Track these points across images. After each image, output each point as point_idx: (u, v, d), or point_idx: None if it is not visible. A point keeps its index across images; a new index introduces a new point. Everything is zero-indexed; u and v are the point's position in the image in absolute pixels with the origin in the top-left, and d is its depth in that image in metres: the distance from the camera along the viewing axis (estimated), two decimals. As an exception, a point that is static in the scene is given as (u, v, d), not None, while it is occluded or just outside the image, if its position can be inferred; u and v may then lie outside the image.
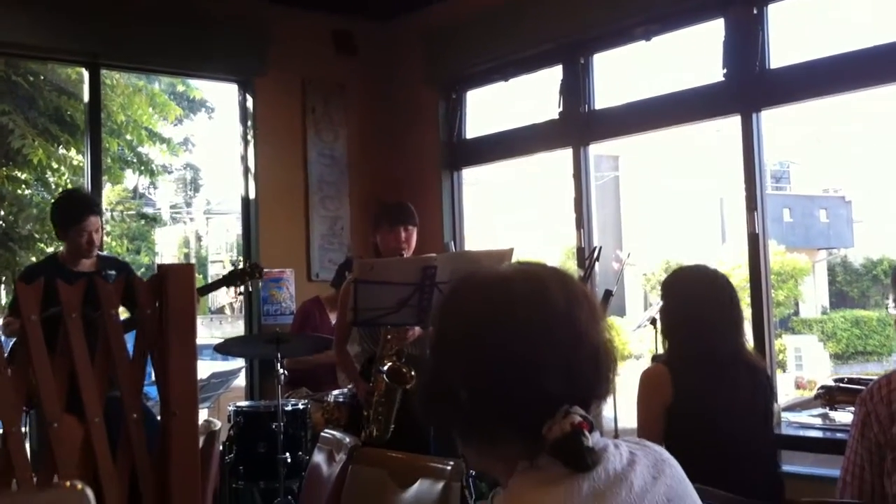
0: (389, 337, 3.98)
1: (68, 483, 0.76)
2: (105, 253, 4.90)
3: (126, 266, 4.89)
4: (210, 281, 5.10)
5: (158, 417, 2.12)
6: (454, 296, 1.33)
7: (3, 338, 4.36)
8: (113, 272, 4.43)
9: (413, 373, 3.82)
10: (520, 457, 1.23)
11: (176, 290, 1.68)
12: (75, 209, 4.53)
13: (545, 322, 1.24)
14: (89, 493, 0.77)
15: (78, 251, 4.46)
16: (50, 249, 8.74)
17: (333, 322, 5.65)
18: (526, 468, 1.22)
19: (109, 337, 1.69)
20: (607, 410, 4.57)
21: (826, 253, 21.17)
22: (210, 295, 20.21)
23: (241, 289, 5.02)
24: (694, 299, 3.15)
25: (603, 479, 1.20)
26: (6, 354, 2.00)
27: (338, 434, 3.08)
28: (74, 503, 0.77)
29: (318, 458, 3.07)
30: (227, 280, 4.81)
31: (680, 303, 3.20)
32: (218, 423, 3.58)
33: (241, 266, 4.88)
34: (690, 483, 1.32)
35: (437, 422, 1.31)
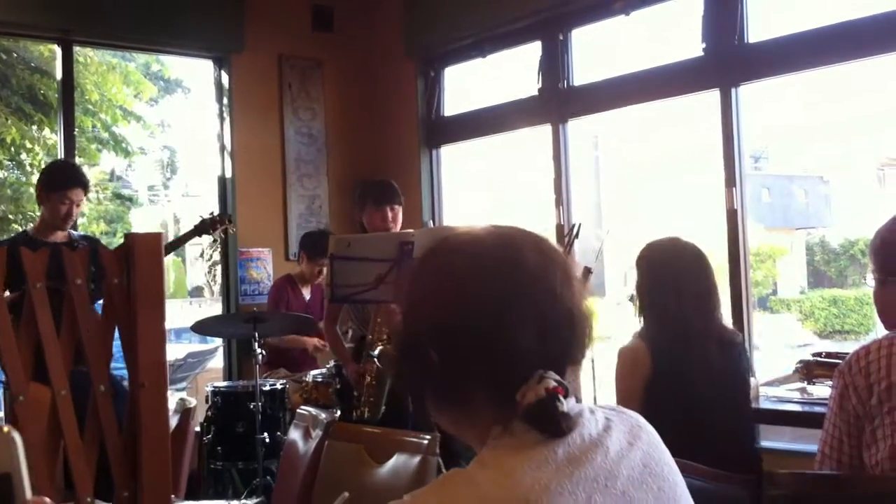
0: (379, 320, 3.95)
1: (-5, 426, 0.72)
2: (76, 232, 4.84)
3: (96, 241, 4.85)
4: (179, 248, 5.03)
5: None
6: (425, 257, 1.30)
7: None
8: (85, 243, 4.38)
9: None
10: (494, 423, 1.21)
11: (143, 258, 1.64)
12: (66, 175, 4.50)
13: (517, 280, 1.21)
14: (16, 436, 0.73)
15: (54, 219, 4.40)
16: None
17: (307, 298, 5.65)
18: (499, 434, 1.19)
19: (75, 307, 1.65)
20: (587, 390, 4.57)
21: (804, 233, 21.27)
22: (187, 274, 20.11)
23: (217, 237, 4.96)
24: (667, 271, 3.14)
25: (578, 445, 1.18)
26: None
27: (313, 410, 3.06)
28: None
29: (294, 434, 3.05)
30: (198, 230, 4.75)
31: (653, 275, 3.19)
32: (193, 401, 3.55)
33: (208, 215, 4.81)
34: (667, 450, 1.30)
35: (410, 387, 1.29)
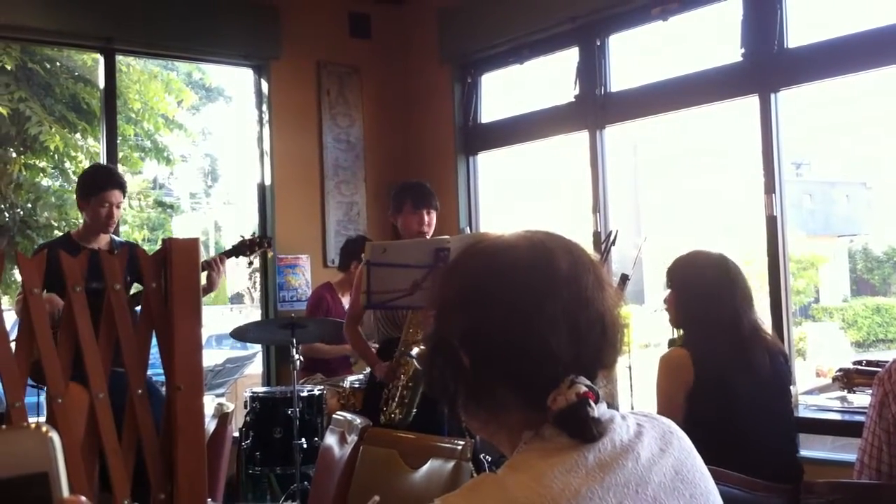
0: (415, 322, 3.93)
1: (33, 424, 0.74)
2: (118, 238, 4.88)
3: (136, 245, 4.89)
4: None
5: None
6: (457, 261, 1.31)
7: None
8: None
9: None
10: (524, 427, 1.21)
11: (181, 263, 1.66)
12: (102, 177, 4.50)
13: (548, 284, 1.21)
14: (54, 435, 0.74)
15: (96, 223, 4.40)
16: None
17: (347, 306, 5.65)
18: (530, 439, 1.19)
19: (113, 311, 1.67)
20: (624, 397, 4.55)
21: (847, 240, 20.97)
22: (227, 281, 20.25)
23: (252, 259, 4.95)
24: (706, 282, 3.12)
25: (609, 450, 1.17)
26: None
27: (349, 416, 3.06)
28: (37, 446, 0.74)
29: (330, 440, 3.06)
30: (236, 250, 4.72)
31: (692, 287, 3.16)
32: (231, 406, 3.58)
33: (248, 236, 4.80)
34: (700, 456, 1.29)
35: (442, 391, 1.29)
